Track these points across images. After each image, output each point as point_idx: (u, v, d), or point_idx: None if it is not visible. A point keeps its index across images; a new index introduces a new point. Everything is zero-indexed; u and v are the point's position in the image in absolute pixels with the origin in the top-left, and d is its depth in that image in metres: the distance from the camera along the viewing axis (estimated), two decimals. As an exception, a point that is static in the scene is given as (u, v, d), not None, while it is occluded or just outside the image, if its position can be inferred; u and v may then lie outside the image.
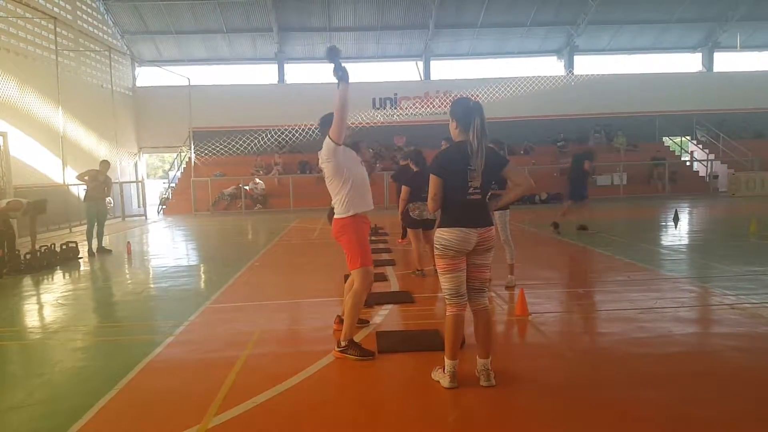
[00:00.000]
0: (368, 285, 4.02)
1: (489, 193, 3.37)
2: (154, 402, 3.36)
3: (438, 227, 3.37)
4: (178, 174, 22.98)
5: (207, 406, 3.19)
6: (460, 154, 3.27)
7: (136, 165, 22.73)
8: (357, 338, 4.20)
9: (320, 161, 4.02)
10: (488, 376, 3.35)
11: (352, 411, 3.18)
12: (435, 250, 3.38)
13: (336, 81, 3.64)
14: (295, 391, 3.40)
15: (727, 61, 25.24)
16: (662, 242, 9.75)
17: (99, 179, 9.88)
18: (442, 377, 3.40)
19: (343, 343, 3.92)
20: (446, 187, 3.29)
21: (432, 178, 3.33)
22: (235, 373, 3.72)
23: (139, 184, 20.85)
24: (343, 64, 3.62)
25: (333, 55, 3.60)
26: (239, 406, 3.17)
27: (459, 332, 3.37)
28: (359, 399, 3.37)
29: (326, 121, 3.95)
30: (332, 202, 4.07)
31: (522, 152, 22.50)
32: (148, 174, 30.70)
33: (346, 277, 4.31)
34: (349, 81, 3.66)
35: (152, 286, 7.26)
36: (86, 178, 9.88)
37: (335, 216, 4.06)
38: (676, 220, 12.23)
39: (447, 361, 3.36)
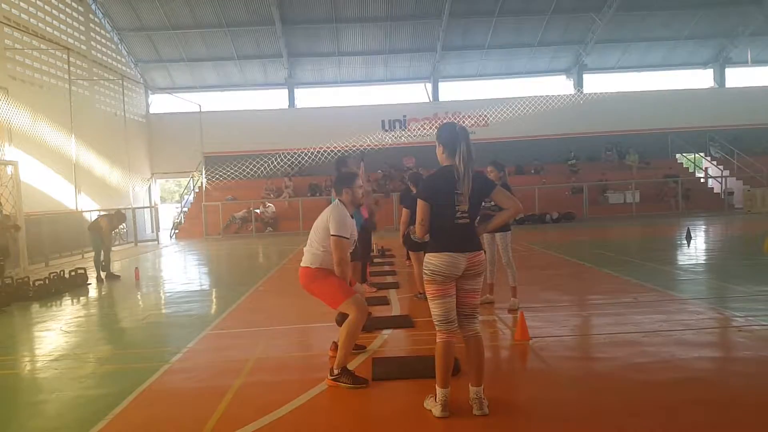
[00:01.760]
0: (364, 311, 3.95)
1: (477, 217, 3.33)
2: (143, 433, 3.33)
3: (426, 252, 3.34)
4: (191, 198, 23.27)
5: (194, 437, 3.15)
6: (447, 178, 3.25)
7: (149, 190, 23.07)
8: (354, 364, 4.14)
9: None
10: (481, 404, 3.27)
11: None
12: (424, 276, 3.34)
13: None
14: (284, 422, 3.34)
15: (739, 77, 25.03)
16: (673, 262, 9.54)
17: (113, 224, 10.58)
18: (433, 406, 3.32)
19: (335, 371, 3.86)
20: (434, 211, 3.27)
21: (419, 203, 3.31)
22: (226, 402, 3.68)
23: (152, 209, 21.13)
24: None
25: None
26: (226, 438, 3.13)
27: (449, 359, 3.30)
28: (347, 429, 3.30)
29: (340, 180, 4.12)
30: (305, 247, 4.10)
31: (532, 171, 22.43)
32: (164, 198, 31.08)
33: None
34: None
35: (156, 312, 7.27)
36: (105, 223, 10.26)
37: (302, 264, 4.09)
38: (688, 238, 11.99)
39: (438, 390, 3.28)
